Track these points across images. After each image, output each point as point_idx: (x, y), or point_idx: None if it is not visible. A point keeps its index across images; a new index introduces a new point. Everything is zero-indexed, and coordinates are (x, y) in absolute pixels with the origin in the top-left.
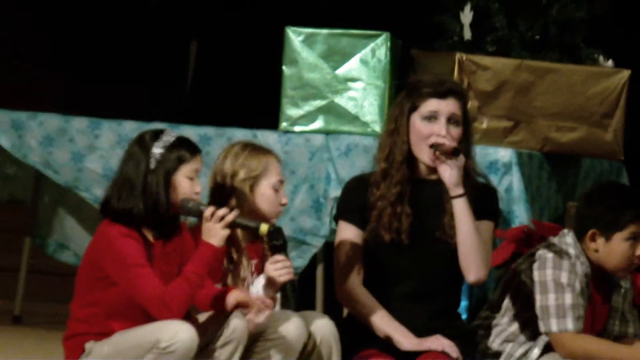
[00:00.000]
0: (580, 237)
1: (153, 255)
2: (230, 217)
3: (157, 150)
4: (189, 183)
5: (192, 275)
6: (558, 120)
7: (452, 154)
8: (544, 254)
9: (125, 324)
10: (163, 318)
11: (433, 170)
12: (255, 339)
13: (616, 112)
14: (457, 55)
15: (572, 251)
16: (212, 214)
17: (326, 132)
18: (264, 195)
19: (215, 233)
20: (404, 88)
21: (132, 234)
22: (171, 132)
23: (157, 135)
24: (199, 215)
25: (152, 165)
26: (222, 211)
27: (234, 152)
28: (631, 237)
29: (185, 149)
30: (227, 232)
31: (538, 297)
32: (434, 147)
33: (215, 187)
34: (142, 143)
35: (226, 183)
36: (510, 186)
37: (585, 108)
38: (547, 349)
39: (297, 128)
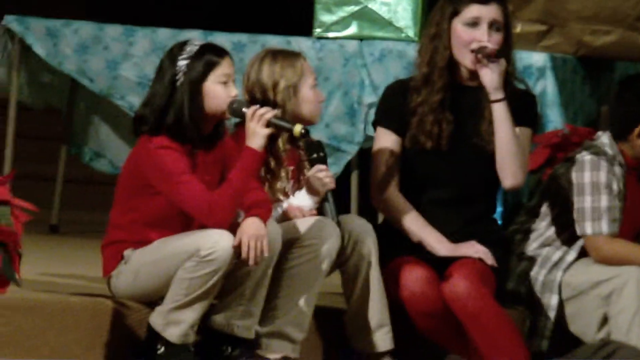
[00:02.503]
0: (623, 135)
1: (195, 165)
2: (269, 114)
3: (182, 62)
4: (222, 88)
5: (237, 181)
6: (592, 24)
7: (495, 56)
8: (582, 157)
9: (163, 233)
10: (209, 224)
11: (474, 76)
12: (291, 245)
13: None
14: None
15: (609, 151)
16: (253, 113)
17: (360, 38)
18: (306, 98)
19: (255, 133)
20: None
21: (172, 145)
22: (195, 41)
23: (182, 46)
24: (242, 115)
25: (179, 77)
26: (262, 110)
27: (267, 62)
28: None
29: (211, 54)
30: (267, 131)
31: (575, 200)
32: (476, 51)
33: (255, 100)
34: (170, 57)
35: (268, 96)
36: (544, 91)
37: (619, 11)
38: (583, 253)
39: (330, 34)
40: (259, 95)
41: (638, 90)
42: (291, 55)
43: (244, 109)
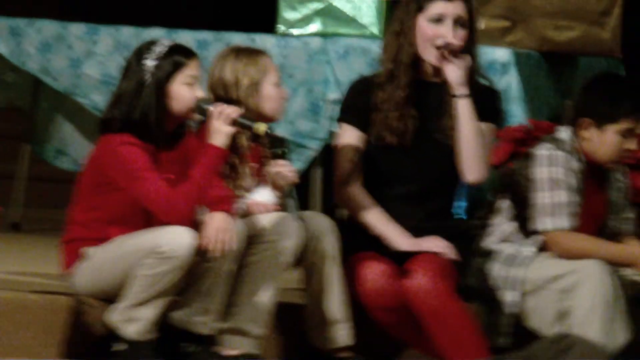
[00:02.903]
0: (574, 128)
1: (158, 163)
2: (234, 113)
3: (150, 62)
4: (188, 89)
5: (198, 177)
6: (556, 19)
7: (460, 52)
8: (539, 152)
9: (124, 230)
10: (171, 221)
11: (438, 72)
12: (252, 241)
13: (614, 10)
14: None
15: (567, 147)
16: (219, 112)
17: (324, 35)
18: (268, 96)
19: (219, 130)
20: None
21: (135, 142)
22: (164, 42)
23: (150, 46)
24: (208, 114)
25: (147, 77)
26: (228, 108)
27: (230, 60)
28: (623, 131)
29: (178, 55)
30: (230, 129)
31: (533, 195)
32: (441, 47)
33: (218, 99)
34: (138, 56)
35: (230, 93)
36: (509, 86)
37: (582, 6)
38: (543, 248)
39: (294, 31)
40: (221, 93)
41: (589, 84)
42: (254, 53)
43: (209, 107)
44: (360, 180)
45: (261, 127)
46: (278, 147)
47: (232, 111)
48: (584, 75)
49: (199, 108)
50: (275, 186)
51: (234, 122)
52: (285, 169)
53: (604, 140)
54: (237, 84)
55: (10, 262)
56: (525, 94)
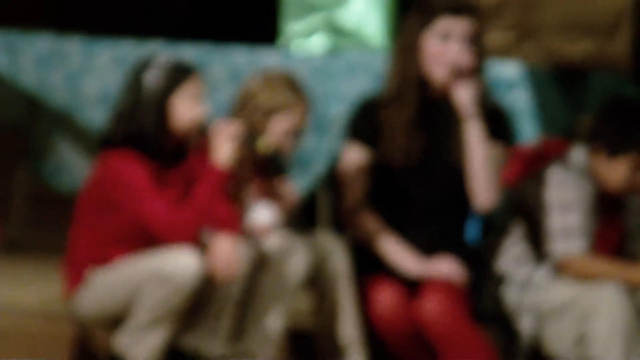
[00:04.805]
0: (589, 149)
1: (160, 181)
2: (233, 129)
3: (150, 77)
4: (188, 105)
5: (201, 196)
6: (564, 33)
7: (469, 73)
8: (551, 173)
9: (126, 251)
10: (173, 240)
11: (445, 91)
12: (260, 263)
13: (624, 24)
14: None
15: (579, 168)
16: (219, 128)
17: (327, 49)
18: (273, 134)
19: (220, 148)
20: (409, 2)
21: (136, 160)
22: (164, 56)
23: (150, 61)
24: (208, 131)
25: (145, 93)
26: (227, 124)
27: (270, 76)
28: (636, 163)
29: (179, 71)
30: (231, 146)
31: (545, 218)
32: (450, 67)
33: (235, 101)
34: (137, 71)
35: (244, 100)
36: (516, 102)
37: (592, 20)
38: (557, 271)
39: (297, 45)
40: (240, 96)
41: (605, 109)
42: (295, 90)
43: (209, 125)
44: (368, 200)
45: (262, 143)
46: (276, 164)
47: (232, 127)
48: (595, 90)
49: (200, 125)
50: (274, 204)
51: (234, 138)
52: (285, 187)
53: (615, 170)
54: (254, 95)
55: (10, 284)
56: (534, 110)
